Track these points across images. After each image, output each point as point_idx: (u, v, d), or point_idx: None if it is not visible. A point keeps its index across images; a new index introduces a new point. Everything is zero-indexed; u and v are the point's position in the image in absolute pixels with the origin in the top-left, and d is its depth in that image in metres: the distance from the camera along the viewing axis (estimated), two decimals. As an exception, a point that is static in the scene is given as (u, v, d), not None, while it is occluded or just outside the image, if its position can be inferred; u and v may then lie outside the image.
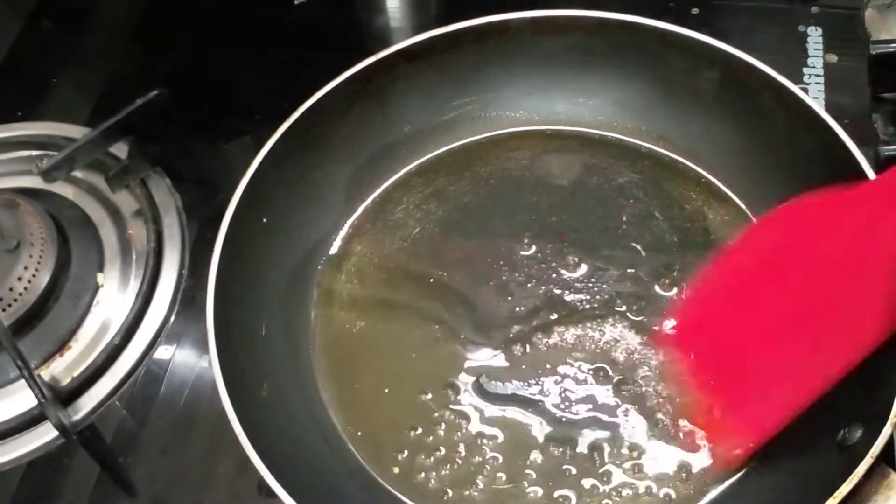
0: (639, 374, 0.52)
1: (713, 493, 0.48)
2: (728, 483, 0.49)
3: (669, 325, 0.49)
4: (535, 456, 0.50)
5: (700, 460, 0.49)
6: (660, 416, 0.50)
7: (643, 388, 0.52)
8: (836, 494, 0.41)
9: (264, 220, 0.54)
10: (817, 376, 0.43)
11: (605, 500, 0.49)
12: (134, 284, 0.59)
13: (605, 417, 0.51)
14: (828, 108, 0.54)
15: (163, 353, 0.57)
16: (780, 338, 0.45)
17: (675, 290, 0.55)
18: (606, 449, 0.50)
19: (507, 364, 0.53)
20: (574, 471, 0.49)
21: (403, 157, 0.61)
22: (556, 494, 0.49)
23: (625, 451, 0.50)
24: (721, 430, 0.47)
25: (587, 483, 0.49)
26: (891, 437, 0.43)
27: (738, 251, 0.48)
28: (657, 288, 0.55)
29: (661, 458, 0.49)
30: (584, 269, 0.56)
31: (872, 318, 0.42)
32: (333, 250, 0.59)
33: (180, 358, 0.57)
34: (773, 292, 0.46)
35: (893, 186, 0.42)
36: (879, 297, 0.41)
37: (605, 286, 0.55)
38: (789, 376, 0.44)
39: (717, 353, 0.48)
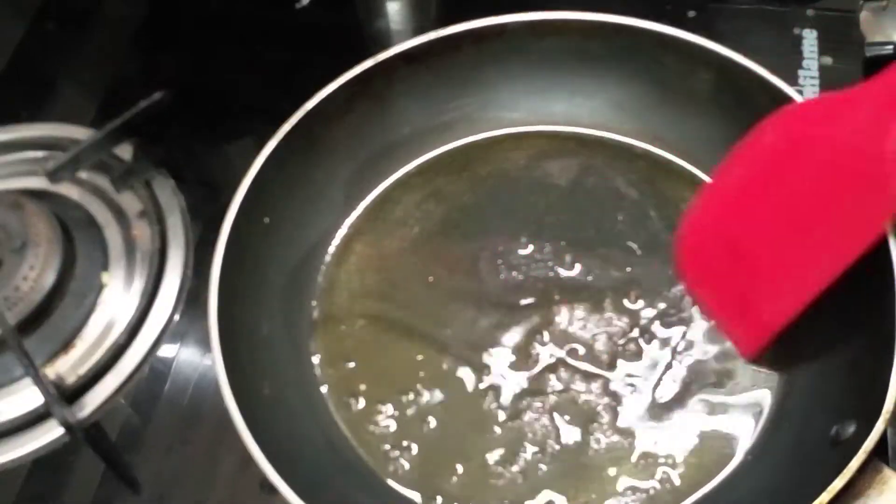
0: (634, 369, 0.53)
1: (707, 488, 0.49)
2: (721, 478, 0.49)
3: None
4: (540, 450, 0.51)
5: (694, 450, 0.50)
6: (653, 413, 0.51)
7: (636, 385, 0.52)
8: (829, 489, 0.42)
9: (266, 219, 0.55)
10: (819, 271, 0.44)
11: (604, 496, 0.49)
12: (138, 284, 0.59)
13: (607, 407, 0.52)
14: (822, 110, 0.54)
15: (167, 351, 0.57)
16: (781, 237, 0.46)
17: (670, 287, 0.55)
18: (603, 439, 0.51)
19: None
20: (576, 466, 0.50)
21: (403, 158, 0.62)
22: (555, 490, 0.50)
23: (621, 441, 0.51)
24: (739, 325, 0.49)
25: (587, 480, 0.50)
26: (884, 433, 0.43)
27: (736, 161, 0.49)
28: (652, 286, 0.55)
29: (657, 448, 0.50)
30: (579, 268, 0.57)
31: (869, 216, 0.43)
32: (333, 249, 0.59)
33: (184, 356, 0.57)
34: (772, 194, 0.47)
35: (887, 88, 0.43)
36: (876, 194, 0.42)
37: (601, 284, 0.56)
38: (793, 272, 0.45)
39: (723, 257, 0.49)
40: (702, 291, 0.52)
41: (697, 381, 0.52)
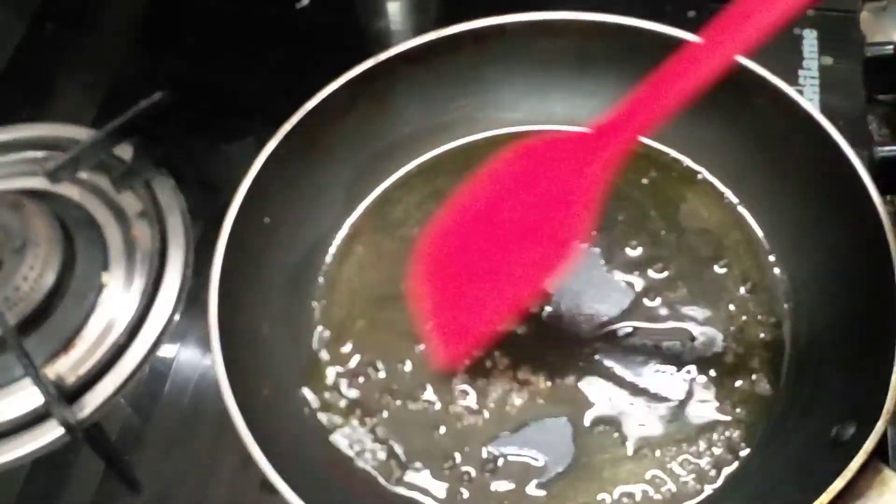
0: (633, 369, 0.53)
1: (709, 490, 0.49)
2: (723, 479, 0.49)
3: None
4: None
5: (694, 451, 0.50)
6: (655, 413, 0.51)
7: (636, 385, 0.52)
8: (829, 490, 0.42)
9: (266, 220, 0.55)
10: (517, 293, 0.49)
11: (605, 497, 0.49)
12: (138, 284, 0.59)
13: (610, 410, 0.52)
14: (823, 110, 0.54)
15: (167, 351, 0.57)
16: (493, 260, 0.50)
17: (670, 287, 0.55)
18: (607, 445, 0.51)
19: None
20: (574, 467, 0.50)
21: (403, 158, 0.62)
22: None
23: (619, 444, 0.51)
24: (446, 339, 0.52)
25: (585, 481, 0.50)
26: (884, 434, 0.43)
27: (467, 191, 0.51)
28: (652, 285, 0.55)
29: (657, 449, 0.50)
30: (580, 268, 0.57)
31: (563, 244, 0.47)
32: (334, 249, 0.59)
33: (184, 356, 0.57)
34: (491, 219, 0.50)
35: (602, 136, 0.47)
36: (572, 225, 0.47)
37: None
38: (495, 294, 0.49)
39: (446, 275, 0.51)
40: (429, 296, 0.52)
41: (698, 383, 0.52)
